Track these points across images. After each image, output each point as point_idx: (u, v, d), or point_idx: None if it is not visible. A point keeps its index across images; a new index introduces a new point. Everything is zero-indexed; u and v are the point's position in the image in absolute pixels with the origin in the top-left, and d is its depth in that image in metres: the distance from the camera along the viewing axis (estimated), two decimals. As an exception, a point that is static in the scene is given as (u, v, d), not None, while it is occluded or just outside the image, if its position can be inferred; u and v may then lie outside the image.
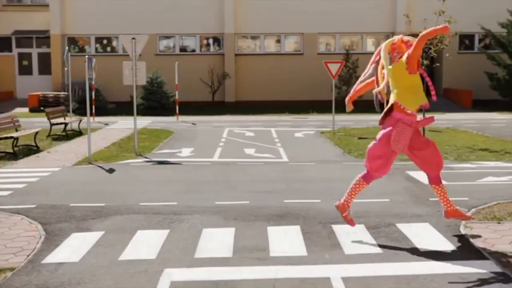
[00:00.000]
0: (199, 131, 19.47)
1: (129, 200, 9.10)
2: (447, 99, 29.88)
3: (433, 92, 6.98)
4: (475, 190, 9.55)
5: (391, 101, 6.79)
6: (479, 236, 6.91)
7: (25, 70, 31.84)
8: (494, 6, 29.23)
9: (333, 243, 6.77)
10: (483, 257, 6.20)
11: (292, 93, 30.13)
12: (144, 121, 22.33)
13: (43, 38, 31.16)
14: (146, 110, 25.66)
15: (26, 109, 27.45)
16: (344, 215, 7.11)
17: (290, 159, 13.46)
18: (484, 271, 5.78)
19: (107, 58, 29.48)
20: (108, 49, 31.29)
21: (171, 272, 5.83)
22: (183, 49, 31.26)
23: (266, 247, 6.61)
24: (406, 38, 6.92)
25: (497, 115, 25.30)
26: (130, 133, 18.01)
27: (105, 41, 31.19)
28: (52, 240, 7.00)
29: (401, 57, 6.80)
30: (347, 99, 7.49)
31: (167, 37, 31.04)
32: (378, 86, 6.97)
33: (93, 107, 23.18)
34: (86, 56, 14.16)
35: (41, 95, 27.79)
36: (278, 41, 31.30)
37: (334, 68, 18.89)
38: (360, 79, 7.33)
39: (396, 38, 6.95)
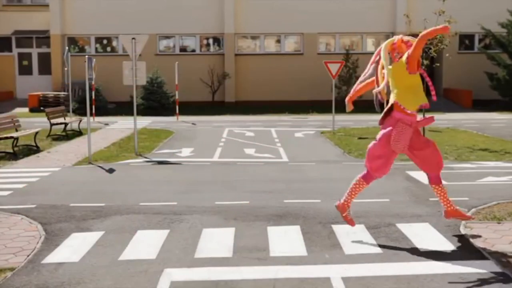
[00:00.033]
0: (199, 131, 19.47)
1: (129, 200, 9.10)
2: (447, 99, 29.89)
3: (433, 92, 6.98)
4: (475, 190, 9.55)
5: (391, 101, 6.79)
6: (479, 236, 6.91)
7: (25, 70, 31.84)
8: (494, 6, 29.23)
9: (333, 243, 6.77)
10: (483, 257, 6.20)
11: (292, 93, 30.13)
12: (144, 121, 22.33)
13: (43, 38, 31.16)
14: (146, 110, 25.66)
15: (26, 109, 27.46)
16: (344, 215, 7.11)
17: (290, 159, 13.46)
18: (484, 271, 5.78)
19: (107, 58, 29.48)
20: (108, 49, 31.29)
21: (171, 272, 5.83)
22: (183, 49, 31.26)
23: (266, 247, 6.61)
24: (406, 38, 6.92)
25: (497, 115, 25.30)
26: (130, 133, 18.01)
27: (105, 41, 31.19)
28: (52, 240, 7.00)
29: (401, 57, 6.80)
30: (347, 99, 7.50)
31: (167, 37, 31.04)
32: (378, 86, 6.97)
33: (93, 107, 23.18)
34: (86, 56, 14.16)
35: (41, 95, 27.78)
36: (278, 41, 31.30)
37: (334, 68, 18.90)
38: (360, 79, 7.33)
39: (396, 38, 6.95)
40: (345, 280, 5.57)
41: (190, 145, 15.95)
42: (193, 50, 31.19)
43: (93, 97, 23.50)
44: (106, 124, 21.72)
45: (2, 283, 5.58)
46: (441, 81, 30.48)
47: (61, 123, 18.12)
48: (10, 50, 31.77)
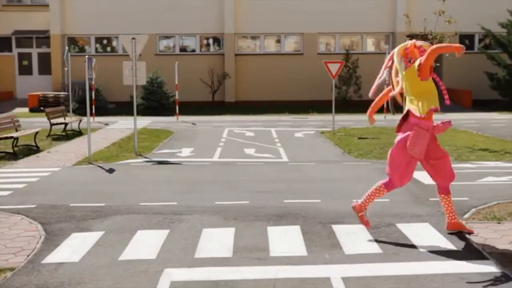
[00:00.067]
0: (199, 131, 19.47)
1: (129, 200, 9.10)
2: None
3: (446, 96, 6.98)
4: (475, 190, 9.55)
5: (407, 107, 6.80)
6: (479, 236, 6.91)
7: (25, 70, 31.84)
8: (494, 6, 29.23)
9: (333, 243, 6.77)
10: (483, 257, 6.20)
11: (292, 93, 30.13)
12: (144, 121, 22.33)
13: (43, 38, 31.16)
14: (146, 110, 25.65)
15: (26, 109, 27.45)
16: (360, 214, 7.09)
17: (290, 159, 13.46)
18: (484, 271, 5.78)
19: (107, 58, 29.48)
20: (108, 49, 31.29)
21: (171, 272, 5.83)
22: (183, 49, 31.26)
23: (266, 247, 6.61)
24: (418, 43, 6.84)
25: (497, 115, 25.30)
26: (130, 133, 18.01)
27: (105, 41, 31.18)
28: (52, 240, 7.00)
29: (413, 62, 6.78)
30: (368, 113, 7.37)
31: (167, 37, 31.04)
32: (394, 90, 6.98)
33: (93, 107, 23.18)
34: (86, 56, 14.16)
35: (41, 95, 27.78)
36: (278, 41, 31.30)
37: (334, 68, 18.89)
38: (376, 82, 7.23)
39: (409, 43, 6.85)
40: (345, 280, 5.57)
41: (190, 145, 15.95)
42: (193, 50, 31.19)
43: (93, 97, 23.49)
44: (106, 124, 21.72)
45: (2, 283, 5.58)
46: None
47: (61, 123, 18.12)
48: (10, 50, 31.77)
